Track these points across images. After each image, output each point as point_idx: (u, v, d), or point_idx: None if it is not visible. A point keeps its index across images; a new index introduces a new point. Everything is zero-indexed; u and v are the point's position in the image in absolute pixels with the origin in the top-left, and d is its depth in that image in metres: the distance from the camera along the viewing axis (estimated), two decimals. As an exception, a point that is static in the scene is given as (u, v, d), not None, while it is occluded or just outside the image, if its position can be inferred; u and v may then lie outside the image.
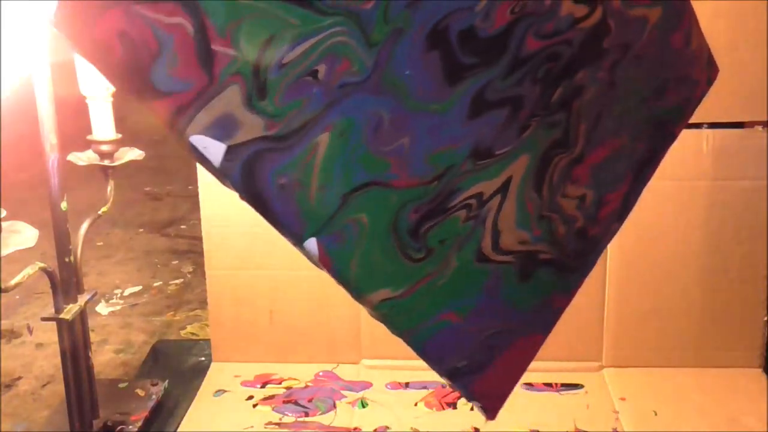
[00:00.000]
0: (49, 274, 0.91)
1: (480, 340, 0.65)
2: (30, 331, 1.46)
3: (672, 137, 0.72)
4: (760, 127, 1.05)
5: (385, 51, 0.55)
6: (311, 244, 0.56)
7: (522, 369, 0.69)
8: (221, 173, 0.52)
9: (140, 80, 0.50)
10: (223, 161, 0.52)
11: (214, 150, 0.52)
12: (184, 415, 1.05)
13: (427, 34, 0.56)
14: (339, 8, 0.54)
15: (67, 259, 0.94)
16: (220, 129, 0.52)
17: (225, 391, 1.10)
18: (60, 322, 0.93)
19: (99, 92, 0.94)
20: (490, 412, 0.69)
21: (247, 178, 0.53)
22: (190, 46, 0.50)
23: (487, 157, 0.61)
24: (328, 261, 0.57)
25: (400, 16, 0.55)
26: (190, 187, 2.24)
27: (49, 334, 1.40)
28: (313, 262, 0.57)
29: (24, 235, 0.81)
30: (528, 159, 0.63)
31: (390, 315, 0.61)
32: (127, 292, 1.66)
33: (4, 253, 0.79)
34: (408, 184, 0.59)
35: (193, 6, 0.50)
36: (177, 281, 1.71)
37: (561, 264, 0.67)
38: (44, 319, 0.94)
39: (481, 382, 0.68)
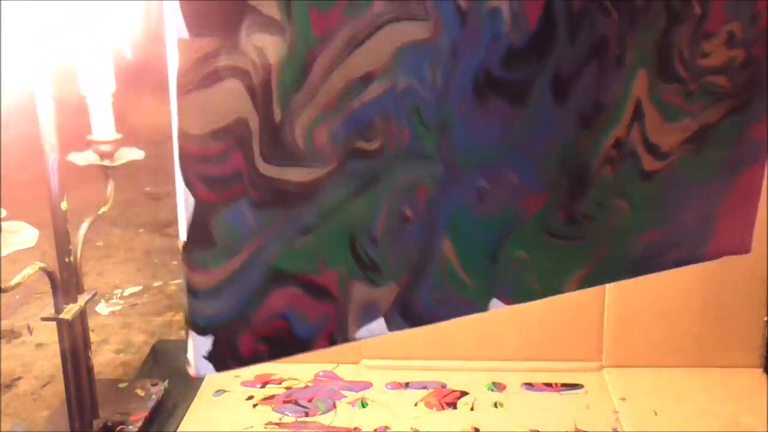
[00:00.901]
0: (49, 274, 0.91)
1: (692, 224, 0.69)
2: (30, 331, 1.46)
3: None
4: (760, 127, 1.05)
5: (444, 141, 0.57)
6: (495, 304, 0.62)
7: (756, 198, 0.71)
8: (391, 330, 0.59)
9: None
10: (388, 330, 0.59)
11: (378, 329, 0.58)
12: (184, 415, 1.05)
13: (471, 96, 0.57)
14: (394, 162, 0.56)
15: (67, 259, 0.94)
16: (369, 316, 0.58)
17: (225, 391, 1.10)
18: (60, 322, 0.93)
19: (99, 92, 0.94)
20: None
21: (408, 317, 0.59)
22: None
23: (600, 112, 0.61)
24: (514, 301, 0.62)
25: (436, 118, 0.56)
26: (190, 187, 2.23)
27: (49, 334, 1.40)
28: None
29: (24, 235, 0.81)
30: (645, 70, 0.62)
31: (598, 281, 0.67)
32: (127, 292, 1.66)
33: (4, 253, 0.79)
34: (541, 203, 0.62)
35: None
36: (177, 281, 1.71)
37: (739, 105, 0.67)
38: (44, 319, 0.94)
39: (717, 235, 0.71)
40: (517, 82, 0.58)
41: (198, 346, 0.53)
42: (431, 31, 0.54)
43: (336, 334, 0.57)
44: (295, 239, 0.54)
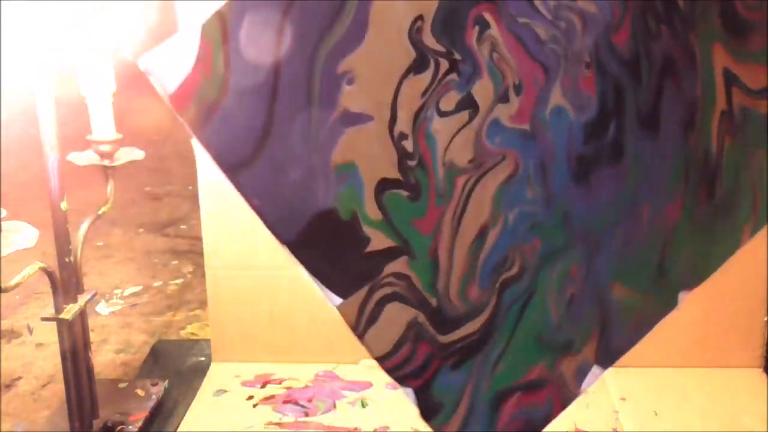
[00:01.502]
0: (49, 274, 0.91)
1: None
2: (30, 331, 1.46)
3: None
4: (760, 127, 1.05)
5: (571, 227, 0.65)
6: (683, 296, 0.70)
7: None
8: (606, 368, 0.69)
9: None
10: (604, 370, 0.68)
11: (596, 374, 0.68)
12: (184, 415, 1.05)
13: (574, 183, 0.65)
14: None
15: (67, 259, 0.94)
16: (583, 372, 0.69)
17: (225, 391, 1.10)
18: (60, 322, 0.93)
19: (99, 92, 0.94)
20: None
21: (612, 352, 0.69)
22: None
23: (695, 105, 0.67)
24: (697, 283, 0.70)
25: (555, 217, 0.65)
26: (190, 187, 2.24)
27: (49, 334, 1.40)
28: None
29: (24, 235, 0.81)
30: (715, 42, 0.66)
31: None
32: (127, 292, 1.66)
33: (4, 253, 0.79)
34: (679, 207, 0.69)
35: None
36: (177, 281, 1.71)
37: None
38: (44, 319, 0.94)
39: None
40: (606, 144, 0.65)
41: None
42: (511, 167, 0.63)
43: (564, 400, 0.68)
44: (493, 370, 0.66)
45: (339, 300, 0.61)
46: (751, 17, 0.67)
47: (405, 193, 0.61)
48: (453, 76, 0.60)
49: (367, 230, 0.60)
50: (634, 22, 0.63)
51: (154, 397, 1.07)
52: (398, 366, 0.63)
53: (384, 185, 0.60)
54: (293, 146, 0.59)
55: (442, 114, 0.61)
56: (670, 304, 0.70)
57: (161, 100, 0.56)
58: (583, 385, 0.68)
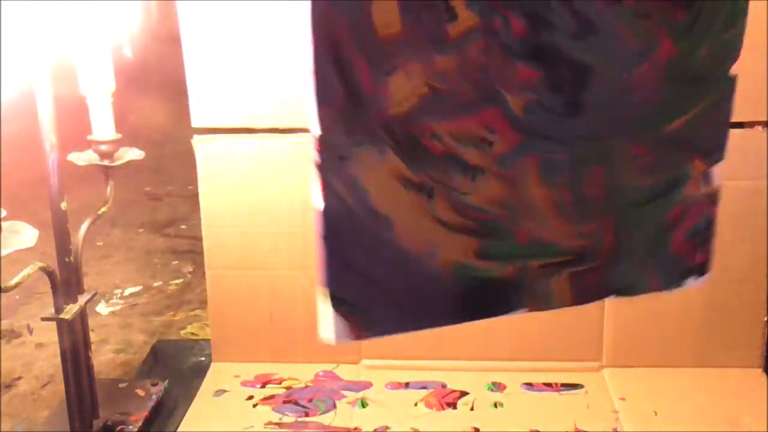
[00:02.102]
0: (49, 274, 0.91)
1: None
2: (30, 331, 1.46)
3: None
4: (760, 127, 1.05)
5: None
6: None
7: None
8: None
9: None
10: None
11: None
12: (184, 415, 1.05)
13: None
14: None
15: (67, 259, 0.94)
16: None
17: (225, 391, 1.10)
18: (60, 322, 0.93)
19: (99, 92, 0.94)
20: None
21: None
22: None
23: None
24: None
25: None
26: (190, 187, 2.24)
27: (49, 334, 1.40)
28: None
29: (24, 235, 0.81)
30: None
31: None
32: (127, 292, 1.66)
33: (4, 253, 0.79)
34: None
35: None
36: (177, 281, 1.71)
37: None
38: (44, 319, 0.94)
39: None
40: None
41: None
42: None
43: None
44: None
45: None
46: None
47: None
48: None
49: None
50: None
51: (154, 397, 1.07)
52: None
53: None
54: None
55: None
56: None
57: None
58: None
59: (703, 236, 0.86)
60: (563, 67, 0.74)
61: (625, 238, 0.83)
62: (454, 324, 0.82)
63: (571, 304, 0.84)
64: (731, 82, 0.80)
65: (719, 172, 0.83)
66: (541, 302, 0.84)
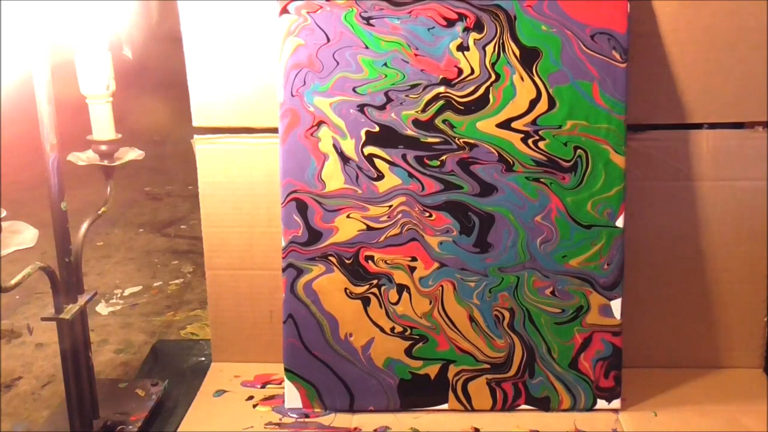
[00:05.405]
0: (49, 274, 0.91)
1: None
2: (30, 331, 1.46)
3: None
4: (760, 127, 1.05)
5: None
6: None
7: None
8: None
9: None
10: None
11: None
12: (184, 415, 1.05)
13: None
14: None
15: (67, 259, 0.94)
16: None
17: (225, 391, 1.10)
18: (60, 322, 0.93)
19: (99, 92, 0.94)
20: None
21: None
22: None
23: None
24: None
25: None
26: (190, 187, 2.24)
27: (49, 334, 1.40)
28: None
29: (24, 235, 0.81)
30: None
31: None
32: (127, 292, 1.66)
33: (4, 253, 0.79)
34: None
35: None
36: (177, 281, 1.71)
37: None
38: (44, 319, 0.94)
39: None
40: None
41: None
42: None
43: None
44: None
45: None
46: None
47: None
48: None
49: None
50: None
51: (154, 397, 1.07)
52: None
53: None
54: None
55: None
56: None
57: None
58: None
59: (610, 363, 1.01)
60: (472, 216, 0.98)
61: (535, 356, 1.00)
62: (396, 413, 1.02)
63: (491, 409, 1.02)
64: (619, 232, 0.98)
65: (619, 308, 0.99)
66: (463, 402, 1.02)
